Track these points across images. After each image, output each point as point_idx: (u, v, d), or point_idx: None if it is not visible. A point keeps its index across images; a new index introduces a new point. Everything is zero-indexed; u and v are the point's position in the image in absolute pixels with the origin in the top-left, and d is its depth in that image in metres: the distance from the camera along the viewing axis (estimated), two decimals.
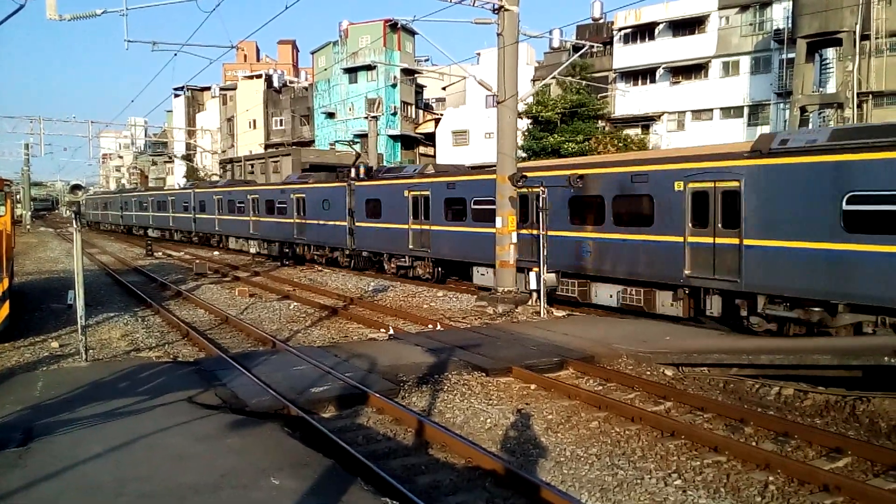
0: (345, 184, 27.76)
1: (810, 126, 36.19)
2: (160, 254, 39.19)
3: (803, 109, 36.24)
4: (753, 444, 8.17)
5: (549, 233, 17.52)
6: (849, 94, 35.01)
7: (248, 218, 36.44)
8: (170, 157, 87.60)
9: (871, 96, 36.11)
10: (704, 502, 6.66)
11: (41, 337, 14.75)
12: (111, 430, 7.96)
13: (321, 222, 29.45)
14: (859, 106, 35.84)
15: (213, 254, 38.77)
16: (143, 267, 30.85)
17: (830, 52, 35.58)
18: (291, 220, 31.70)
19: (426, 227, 23.00)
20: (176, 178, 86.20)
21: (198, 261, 31.11)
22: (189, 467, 6.83)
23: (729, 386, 10.75)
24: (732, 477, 7.18)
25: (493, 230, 18.57)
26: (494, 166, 19.24)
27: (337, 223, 28.36)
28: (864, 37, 34.87)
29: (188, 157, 74.40)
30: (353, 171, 28.43)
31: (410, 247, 23.78)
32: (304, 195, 30.79)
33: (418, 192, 23.43)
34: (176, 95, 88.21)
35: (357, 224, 27.05)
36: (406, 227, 23.90)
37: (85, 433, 7.89)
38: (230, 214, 38.81)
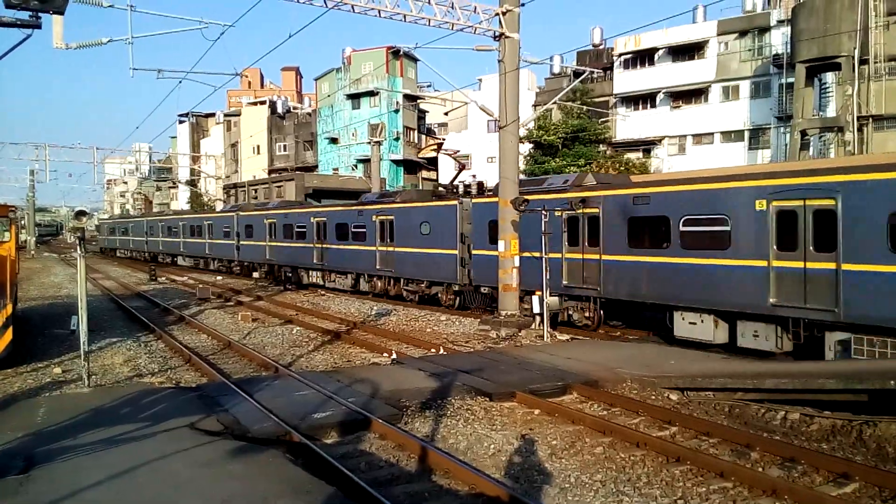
0: (454, 201, 22.55)
1: (811, 150, 36.38)
2: (163, 279, 39.23)
3: (804, 133, 36.44)
4: (760, 469, 8.09)
5: (604, 257, 16.97)
6: (849, 118, 35.20)
7: (310, 245, 30.98)
8: (174, 183, 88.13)
9: (871, 120, 36.32)
10: None
11: (44, 363, 14.72)
12: (113, 457, 7.92)
13: (417, 250, 23.98)
14: (859, 129, 36.02)
15: (217, 278, 38.81)
16: (146, 292, 30.88)
17: (830, 77, 35.86)
18: (373, 248, 26.36)
19: (592, 256, 17.51)
20: (180, 203, 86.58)
21: (201, 285, 31.13)
22: (191, 494, 6.78)
23: (734, 410, 10.67)
24: (739, 503, 7.10)
25: (713, 260, 14.64)
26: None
27: (441, 251, 22.91)
28: (863, 61, 35.17)
29: (192, 183, 74.82)
30: (460, 186, 24.43)
31: (565, 282, 18.23)
32: (391, 217, 25.54)
33: (584, 210, 17.77)
34: (180, 122, 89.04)
35: (475, 252, 21.34)
36: (559, 256, 18.25)
37: (86, 460, 7.84)
38: (287, 241, 33.11)
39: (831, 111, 35.93)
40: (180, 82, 27.87)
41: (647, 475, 7.97)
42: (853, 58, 34.38)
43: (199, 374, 13.88)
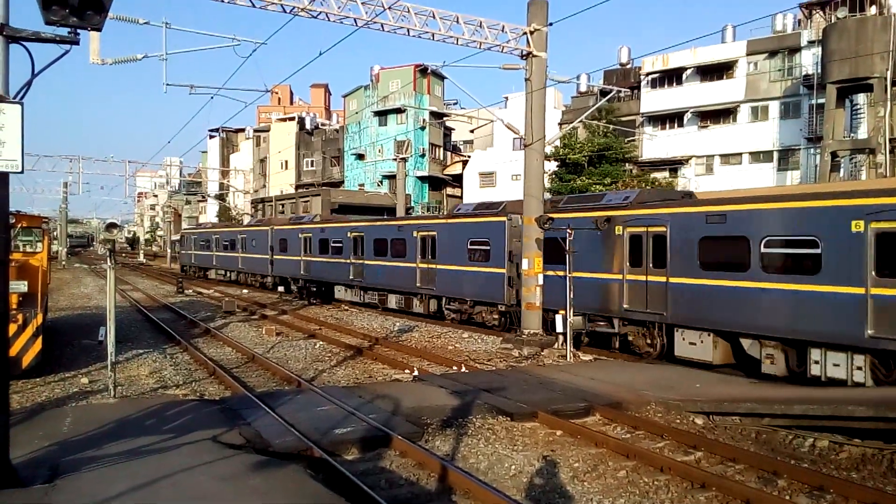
0: (503, 217, 21.43)
1: (841, 172, 35.84)
2: (190, 291, 39.73)
3: (834, 154, 35.97)
4: (787, 497, 7.90)
5: (671, 280, 15.68)
6: (881, 140, 34.67)
7: (346, 260, 29.93)
8: (203, 197, 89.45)
9: None
10: None
11: (71, 372, 14.96)
12: (136, 468, 7.98)
13: (461, 268, 23.01)
14: (892, 151, 35.43)
15: (243, 291, 39.19)
16: (173, 304, 31.27)
17: (861, 98, 35.43)
18: (413, 265, 25.44)
19: (657, 278, 16.07)
20: (209, 216, 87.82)
21: (227, 299, 31.47)
22: None
23: (761, 436, 10.46)
24: None
25: (797, 286, 13.36)
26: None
27: (489, 269, 21.68)
28: (895, 82, 34.68)
29: (221, 197, 75.90)
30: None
31: (626, 306, 16.92)
32: (433, 232, 24.68)
33: (649, 229, 16.49)
34: (211, 136, 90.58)
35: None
36: (618, 278, 17.05)
37: (111, 471, 7.92)
38: (322, 255, 31.99)
39: (862, 133, 35.44)
40: (212, 98, 28.40)
41: (671, 501, 7.83)
42: (885, 79, 33.95)
43: (222, 387, 13.98)
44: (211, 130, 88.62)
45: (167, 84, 23.47)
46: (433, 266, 24.53)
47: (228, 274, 46.12)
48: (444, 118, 63.28)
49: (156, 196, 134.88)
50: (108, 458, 8.33)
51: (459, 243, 23.16)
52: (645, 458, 9.08)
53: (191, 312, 27.06)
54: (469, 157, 61.25)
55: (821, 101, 37.60)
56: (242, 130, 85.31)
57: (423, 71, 57.78)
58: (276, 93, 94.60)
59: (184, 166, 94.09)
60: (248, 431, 9.71)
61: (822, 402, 10.29)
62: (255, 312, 28.08)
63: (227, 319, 25.61)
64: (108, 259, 12.69)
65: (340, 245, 30.53)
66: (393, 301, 27.29)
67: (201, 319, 24.86)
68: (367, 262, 28.61)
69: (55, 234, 72.09)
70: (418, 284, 25.30)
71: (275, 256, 37.07)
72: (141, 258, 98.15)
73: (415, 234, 25.50)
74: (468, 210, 24.42)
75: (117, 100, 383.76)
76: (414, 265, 25.44)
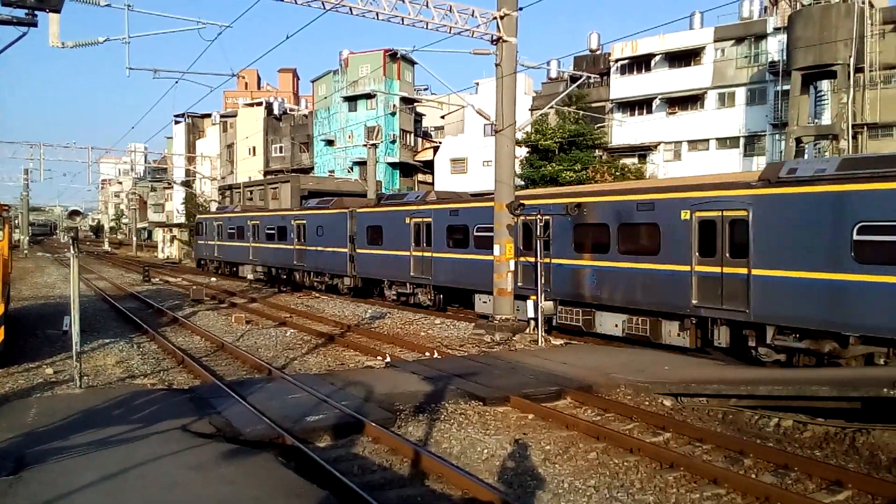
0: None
1: (805, 157, 36.53)
2: (157, 279, 39.10)
3: (798, 140, 36.57)
4: (753, 476, 8.09)
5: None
6: (844, 126, 35.35)
7: (419, 253, 23.70)
8: (169, 184, 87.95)
9: (865, 128, 36.48)
10: None
11: (35, 363, 14.63)
12: (104, 459, 7.86)
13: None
14: (854, 137, 36.18)
15: (211, 279, 38.68)
16: (139, 293, 30.76)
17: (825, 85, 36.02)
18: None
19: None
20: (175, 204, 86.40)
21: (195, 287, 31.02)
22: (182, 497, 6.74)
23: (728, 417, 10.68)
24: None
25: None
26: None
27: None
28: (859, 69, 35.34)
29: (187, 184, 74.72)
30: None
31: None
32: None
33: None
34: (176, 122, 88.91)
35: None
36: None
37: (78, 461, 7.79)
38: (456, 250, 22.08)
39: (826, 119, 36.09)
40: (177, 82, 27.76)
41: (641, 481, 7.95)
42: (849, 66, 34.55)
43: (191, 376, 13.82)
44: (176, 116, 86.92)
45: (130, 68, 22.88)
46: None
47: (275, 271, 35.37)
48: (415, 104, 62.90)
49: (120, 183, 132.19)
50: (75, 449, 8.19)
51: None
52: (615, 440, 9.21)
53: (158, 301, 26.64)
54: (440, 143, 61.07)
55: (786, 87, 38.16)
56: (209, 116, 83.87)
57: (392, 56, 57.29)
58: (243, 77, 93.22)
59: (149, 152, 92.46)
60: (218, 420, 9.61)
61: (786, 383, 10.53)
62: (224, 301, 27.76)
63: (195, 308, 25.28)
64: (72, 247, 12.40)
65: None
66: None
67: (169, 308, 24.50)
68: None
69: (16, 222, 70.31)
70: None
71: (358, 250, 27.64)
72: (106, 246, 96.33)
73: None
74: None
75: (79, 84, 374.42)
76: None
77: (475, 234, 21.03)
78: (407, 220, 23.91)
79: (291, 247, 32.55)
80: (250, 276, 37.28)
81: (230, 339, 18.04)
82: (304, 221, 31.77)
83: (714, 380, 11.72)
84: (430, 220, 22.85)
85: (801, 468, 8.14)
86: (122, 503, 6.58)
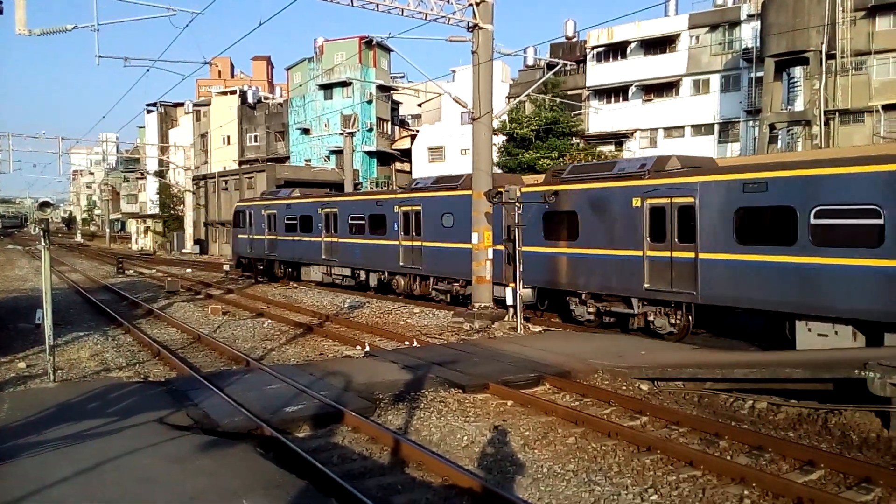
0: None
1: (779, 144, 37.00)
2: (131, 271, 38.59)
3: (772, 127, 37.00)
4: (728, 458, 8.21)
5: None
6: (816, 112, 35.82)
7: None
8: (142, 174, 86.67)
9: (837, 114, 36.99)
10: None
11: (7, 357, 14.38)
12: (79, 453, 7.76)
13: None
14: (826, 123, 36.67)
15: (187, 270, 38.27)
16: (113, 285, 30.34)
17: (798, 71, 36.44)
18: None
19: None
20: (148, 194, 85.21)
21: (170, 278, 30.68)
22: (159, 490, 6.67)
23: (704, 400, 10.82)
24: (708, 491, 7.19)
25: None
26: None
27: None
28: (831, 56, 35.77)
29: (161, 174, 73.68)
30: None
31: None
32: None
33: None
34: (148, 111, 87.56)
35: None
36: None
37: (52, 456, 7.68)
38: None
39: (799, 105, 36.53)
40: (148, 71, 27.45)
41: (619, 464, 8.04)
42: (821, 53, 34.97)
43: (168, 369, 13.68)
44: (148, 105, 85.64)
45: (99, 56, 22.52)
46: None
47: (365, 275, 26.01)
48: (392, 92, 62.55)
49: (92, 174, 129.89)
50: (50, 443, 8.07)
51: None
52: (593, 425, 9.29)
53: (132, 293, 26.31)
54: (417, 131, 60.83)
55: (759, 74, 38.56)
56: (181, 105, 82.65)
57: (368, 43, 56.81)
58: (216, 65, 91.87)
59: (120, 142, 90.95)
60: (195, 412, 9.53)
61: (760, 366, 10.69)
62: (200, 292, 27.48)
63: (170, 300, 25.01)
64: (43, 239, 12.16)
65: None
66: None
67: (144, 300, 24.20)
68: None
69: None
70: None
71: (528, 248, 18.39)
72: (78, 238, 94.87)
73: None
74: None
75: (48, 73, 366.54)
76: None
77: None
78: (636, 203, 15.75)
79: (394, 242, 23.54)
80: (316, 279, 29.08)
81: (207, 331, 17.88)
82: (419, 207, 22.67)
83: (690, 364, 11.86)
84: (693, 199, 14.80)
85: (775, 449, 8.28)
86: (98, 497, 6.50)
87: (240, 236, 34.63)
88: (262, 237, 32.31)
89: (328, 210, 27.50)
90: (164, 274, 36.03)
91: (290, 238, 30.05)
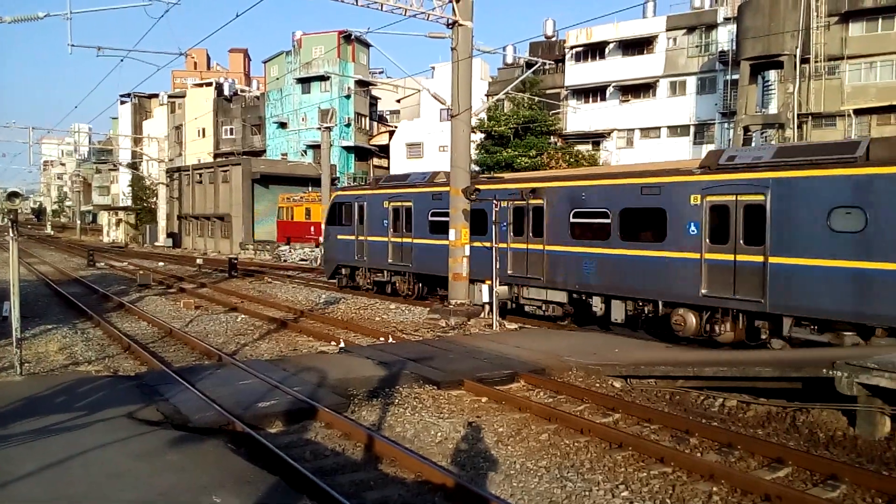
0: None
1: (752, 145, 37.51)
2: (102, 264, 37.99)
3: (746, 129, 37.50)
4: (698, 454, 8.31)
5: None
6: (789, 115, 36.39)
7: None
8: (114, 166, 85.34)
9: (810, 117, 37.63)
10: None
11: None
12: (46, 447, 7.61)
13: None
14: (800, 126, 37.28)
15: (159, 264, 37.77)
16: (84, 278, 29.83)
17: (772, 75, 36.98)
18: None
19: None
20: (121, 186, 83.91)
21: (141, 271, 30.24)
22: (127, 485, 6.57)
23: (675, 397, 10.94)
24: (678, 488, 7.27)
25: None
26: None
27: None
28: (805, 60, 36.35)
29: (134, 166, 72.62)
30: None
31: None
32: None
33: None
34: (122, 102, 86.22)
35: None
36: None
37: (18, 450, 7.52)
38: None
39: (773, 108, 37.08)
40: (122, 61, 26.92)
41: (591, 461, 8.09)
42: (795, 56, 35.52)
43: (138, 363, 13.48)
44: (122, 95, 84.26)
45: (72, 45, 22.03)
46: None
47: (601, 303, 16.06)
48: (370, 87, 62.29)
49: (63, 164, 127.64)
50: (16, 438, 7.91)
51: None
52: (566, 421, 9.34)
53: (103, 286, 25.89)
54: (396, 127, 60.66)
55: (735, 77, 39.05)
56: (156, 96, 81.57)
57: (347, 38, 56.54)
58: (192, 57, 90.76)
59: (93, 133, 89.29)
60: (165, 407, 9.40)
61: (731, 365, 10.83)
62: (173, 286, 27.14)
63: (142, 293, 24.67)
64: (11, 230, 11.89)
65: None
66: None
67: (114, 293, 23.83)
68: None
69: None
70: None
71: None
72: (48, 230, 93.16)
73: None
74: None
75: (18, 61, 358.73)
76: None
77: None
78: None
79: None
80: (484, 300, 18.24)
81: (179, 325, 17.66)
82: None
83: (662, 362, 11.98)
84: None
85: (744, 446, 8.40)
86: (65, 492, 6.38)
87: (340, 237, 24.69)
88: (384, 239, 22.30)
89: (535, 202, 17.47)
90: (136, 267, 35.52)
91: (434, 242, 20.28)
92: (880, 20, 36.33)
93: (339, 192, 26.84)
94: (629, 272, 15.23)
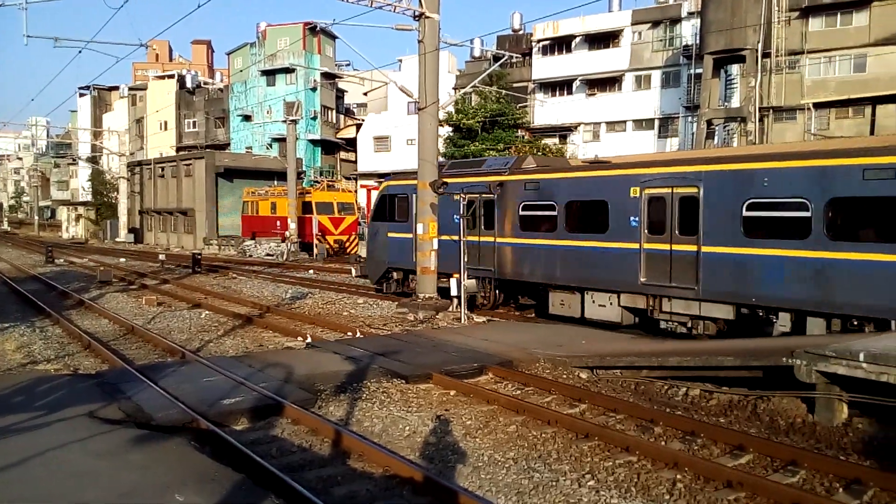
0: None
1: (715, 139, 38.14)
2: (62, 260, 37.09)
3: (709, 123, 38.09)
4: (663, 443, 8.43)
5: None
6: (751, 109, 37.06)
7: None
8: (74, 160, 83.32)
9: (771, 111, 38.38)
10: (616, 502, 6.80)
11: None
12: (4, 448, 7.40)
13: None
14: (761, 120, 38.00)
15: (120, 260, 37.00)
16: (42, 274, 29.10)
17: (735, 69, 37.62)
18: None
19: None
20: (80, 181, 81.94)
21: (102, 268, 29.59)
22: (88, 485, 6.43)
23: (640, 387, 11.08)
24: (643, 476, 7.37)
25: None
26: None
27: None
28: (766, 54, 37.05)
29: (94, 160, 70.98)
30: None
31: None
32: None
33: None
34: (81, 95, 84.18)
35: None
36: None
37: None
38: None
39: (735, 102, 37.74)
40: (80, 52, 26.23)
41: (558, 451, 8.15)
42: (756, 51, 36.16)
43: (99, 361, 13.19)
44: (81, 88, 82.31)
45: (28, 35, 21.44)
46: None
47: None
48: (337, 80, 61.73)
49: (20, 159, 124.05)
50: None
51: None
52: (533, 413, 9.40)
53: (62, 283, 25.28)
54: (363, 120, 60.26)
55: (699, 71, 39.62)
56: (116, 88, 79.78)
57: (312, 29, 55.89)
58: (154, 48, 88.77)
59: (51, 126, 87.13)
60: (127, 405, 9.22)
61: (694, 354, 11.00)
62: (134, 282, 26.61)
63: (102, 290, 24.14)
64: None
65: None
66: None
67: (74, 290, 23.29)
68: None
69: None
70: None
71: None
72: (5, 226, 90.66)
73: None
74: None
75: None
76: None
77: None
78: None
79: None
80: (608, 318, 15.50)
81: (141, 322, 17.33)
82: None
83: (627, 352, 12.12)
84: None
85: (707, 434, 8.55)
86: (24, 493, 6.22)
87: (391, 235, 20.84)
88: (454, 238, 18.35)
89: (684, 191, 13.73)
90: (97, 263, 34.73)
91: (536, 242, 16.91)
92: (839, 15, 37.17)
93: (390, 182, 22.00)
94: (838, 279, 11.65)
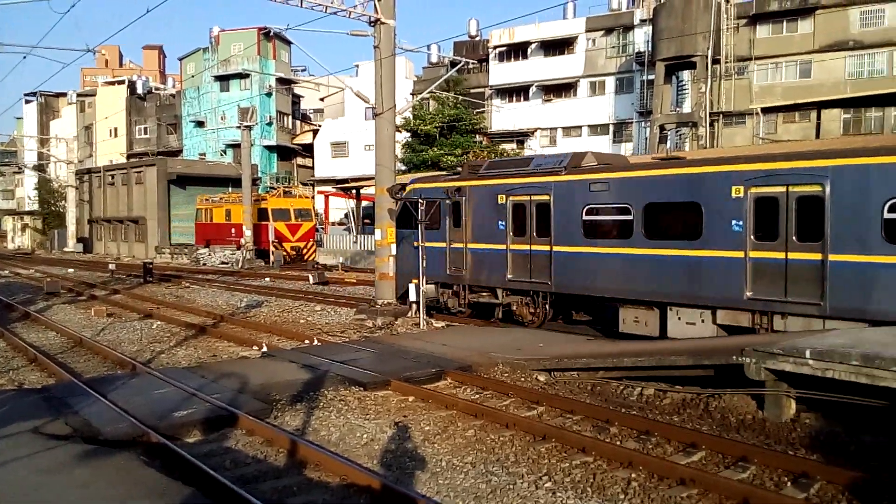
0: None
1: (668, 144, 38.95)
2: (6, 272, 35.83)
3: (662, 128, 38.91)
4: (618, 443, 8.51)
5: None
6: (702, 114, 37.98)
7: None
8: (19, 168, 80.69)
9: (721, 116, 39.38)
10: (572, 503, 6.83)
11: None
12: None
13: None
14: (711, 125, 38.96)
15: (69, 270, 35.92)
16: None
17: (686, 75, 38.51)
18: None
19: None
20: (26, 190, 79.41)
21: (49, 279, 28.66)
22: (29, 502, 6.18)
23: (596, 388, 11.19)
24: (599, 476, 7.43)
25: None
26: None
27: None
28: (716, 61, 38.00)
29: (40, 168, 68.85)
30: None
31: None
32: None
33: None
34: (27, 101, 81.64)
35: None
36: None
37: None
38: None
39: (687, 107, 38.61)
40: (25, 57, 25.38)
41: (515, 454, 8.17)
42: (707, 57, 37.09)
43: (45, 374, 12.76)
44: (27, 94, 79.82)
45: None
46: None
47: None
48: (292, 85, 61.18)
49: None
50: None
51: None
52: (492, 417, 9.41)
53: (6, 295, 24.41)
54: (320, 126, 59.82)
55: (651, 77, 40.45)
56: (64, 95, 77.57)
57: (267, 34, 55.31)
58: (103, 54, 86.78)
59: None
60: (75, 420, 8.92)
61: (648, 354, 11.17)
62: (83, 293, 25.85)
63: (49, 301, 23.39)
64: None
65: None
66: None
67: (19, 302, 22.50)
68: None
69: None
70: None
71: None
72: None
73: None
74: None
75: None
76: None
77: None
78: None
79: None
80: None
81: (90, 334, 16.83)
82: None
83: (584, 354, 12.24)
84: None
85: (661, 433, 8.67)
86: None
87: (426, 244, 17.74)
88: (499, 247, 16.74)
89: (803, 189, 11.74)
90: (44, 274, 33.63)
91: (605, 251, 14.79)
92: (785, 23, 38.37)
93: (416, 185, 18.99)
94: None
